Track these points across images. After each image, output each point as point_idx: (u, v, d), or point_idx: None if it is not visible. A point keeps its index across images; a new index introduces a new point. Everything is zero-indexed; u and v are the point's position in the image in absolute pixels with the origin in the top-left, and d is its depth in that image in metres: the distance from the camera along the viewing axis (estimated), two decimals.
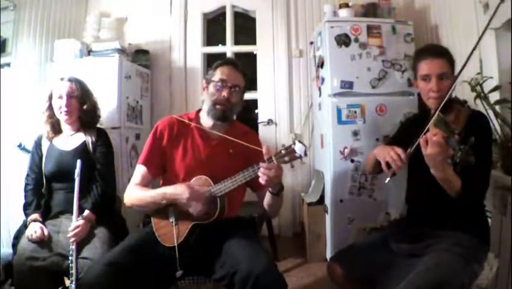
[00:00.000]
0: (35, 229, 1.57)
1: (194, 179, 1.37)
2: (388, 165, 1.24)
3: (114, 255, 1.26)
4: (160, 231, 1.38)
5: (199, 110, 1.57)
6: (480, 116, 1.33)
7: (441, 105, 1.27)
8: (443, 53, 1.38)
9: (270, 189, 1.33)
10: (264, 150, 1.24)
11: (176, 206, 1.35)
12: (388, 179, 1.25)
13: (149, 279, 1.26)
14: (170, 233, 1.34)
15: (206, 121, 1.51)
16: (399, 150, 1.23)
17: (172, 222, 1.35)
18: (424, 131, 1.24)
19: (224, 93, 1.43)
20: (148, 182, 1.46)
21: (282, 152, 1.21)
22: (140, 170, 1.47)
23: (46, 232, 1.59)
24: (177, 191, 1.31)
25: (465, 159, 1.07)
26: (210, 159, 1.44)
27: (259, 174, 1.22)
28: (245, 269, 1.14)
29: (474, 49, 1.30)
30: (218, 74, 1.47)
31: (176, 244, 1.31)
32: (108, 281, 1.15)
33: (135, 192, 1.42)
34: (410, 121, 1.68)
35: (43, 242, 1.57)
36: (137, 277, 1.22)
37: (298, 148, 1.17)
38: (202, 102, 1.57)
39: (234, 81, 1.46)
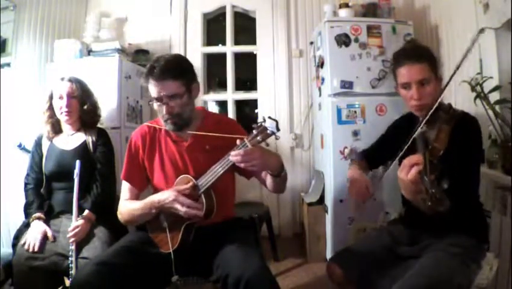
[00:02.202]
0: (34, 238, 1.56)
1: (177, 180, 1.35)
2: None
3: (107, 255, 1.26)
4: (156, 238, 1.37)
5: None
6: (467, 119, 1.26)
7: (423, 121, 1.20)
8: (421, 57, 1.30)
9: (268, 171, 1.29)
10: (237, 141, 1.19)
11: (167, 211, 1.32)
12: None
13: (144, 279, 1.26)
14: (166, 239, 1.33)
15: None
16: (368, 184, 1.35)
17: (165, 227, 1.33)
18: (407, 145, 1.21)
19: (164, 111, 1.33)
20: (137, 195, 1.45)
21: (254, 132, 1.16)
22: (125, 186, 1.45)
23: (49, 234, 1.59)
24: (164, 196, 1.28)
25: (435, 208, 0.94)
26: (186, 162, 1.40)
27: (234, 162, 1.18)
28: (236, 272, 1.13)
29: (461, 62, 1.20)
30: (150, 91, 1.34)
31: (171, 250, 1.29)
32: (98, 280, 1.14)
33: (125, 208, 1.40)
34: (395, 126, 1.61)
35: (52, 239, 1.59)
36: (130, 277, 1.22)
37: (269, 124, 1.13)
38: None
39: (167, 93, 1.31)
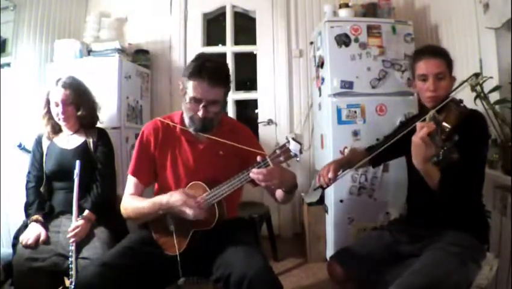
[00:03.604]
0: (28, 237, 1.56)
1: (189, 186, 1.33)
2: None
3: (109, 256, 1.26)
4: (160, 240, 1.35)
5: None
6: (475, 115, 1.30)
7: (437, 107, 1.25)
8: (440, 53, 1.38)
9: (283, 188, 1.29)
10: (258, 158, 1.19)
11: (175, 213, 1.30)
12: (313, 188, 1.34)
13: (146, 279, 1.26)
14: (171, 242, 1.31)
15: None
16: (331, 168, 1.39)
17: (172, 230, 1.31)
18: (411, 127, 1.24)
19: (199, 113, 1.31)
20: (142, 191, 1.43)
21: (277, 151, 1.16)
22: (131, 181, 1.42)
23: (42, 236, 1.58)
24: (173, 198, 1.25)
25: (448, 157, 1.08)
26: (199, 165, 1.39)
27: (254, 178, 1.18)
28: (239, 271, 1.13)
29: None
30: (191, 90, 1.30)
31: (178, 253, 1.29)
32: (100, 282, 1.14)
33: (130, 203, 1.37)
34: (402, 125, 1.65)
35: (43, 242, 1.57)
36: (133, 278, 1.22)
37: (293, 146, 1.13)
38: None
39: (209, 98, 1.30)
